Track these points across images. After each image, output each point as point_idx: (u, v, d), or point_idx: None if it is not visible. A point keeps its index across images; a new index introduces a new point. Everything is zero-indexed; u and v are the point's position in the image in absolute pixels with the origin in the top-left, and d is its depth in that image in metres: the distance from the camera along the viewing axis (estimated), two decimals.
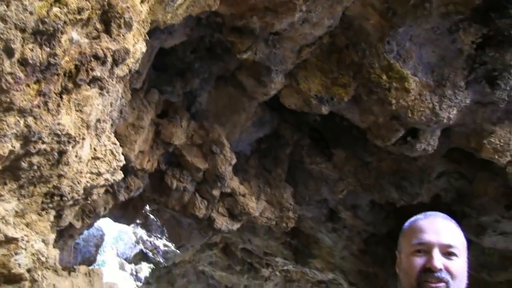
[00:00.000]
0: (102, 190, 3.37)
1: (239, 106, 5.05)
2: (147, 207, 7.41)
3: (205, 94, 5.04)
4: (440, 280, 1.36)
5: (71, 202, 3.01)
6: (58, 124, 2.07)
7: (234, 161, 5.50)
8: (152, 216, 8.18)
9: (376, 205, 7.56)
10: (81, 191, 2.88)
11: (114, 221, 6.52)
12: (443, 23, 4.08)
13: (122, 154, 3.32)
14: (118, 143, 3.14)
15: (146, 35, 2.61)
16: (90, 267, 4.45)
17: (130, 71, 2.61)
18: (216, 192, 5.68)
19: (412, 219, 1.55)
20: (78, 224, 4.88)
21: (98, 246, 9.06)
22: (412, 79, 4.32)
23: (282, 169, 6.52)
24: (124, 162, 3.26)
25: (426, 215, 1.52)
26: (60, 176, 2.50)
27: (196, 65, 4.66)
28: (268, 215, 6.64)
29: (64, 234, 5.16)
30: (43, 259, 2.78)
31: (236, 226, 6.28)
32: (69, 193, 2.73)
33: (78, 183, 2.76)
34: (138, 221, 8.58)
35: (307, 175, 6.95)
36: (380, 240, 8.09)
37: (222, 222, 6.03)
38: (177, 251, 8.87)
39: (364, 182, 6.54)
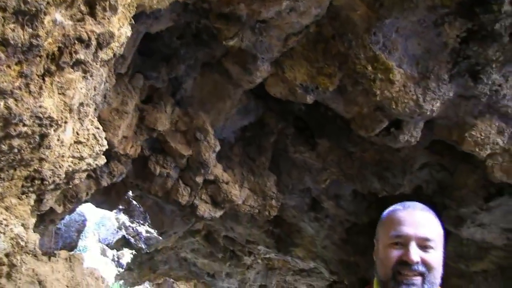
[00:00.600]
0: (84, 175, 3.34)
1: (224, 93, 5.03)
2: (130, 193, 7.39)
3: (190, 81, 5.00)
4: (417, 273, 1.39)
5: (52, 186, 2.98)
6: (40, 106, 2.04)
7: (218, 148, 5.49)
8: (134, 202, 8.16)
9: (359, 195, 7.64)
10: (63, 175, 2.85)
11: (96, 206, 6.48)
12: (429, 16, 4.10)
13: (105, 139, 3.29)
14: (101, 128, 3.11)
15: (132, 19, 2.58)
16: (71, 253, 4.43)
17: (114, 55, 2.58)
18: (199, 179, 5.67)
19: (391, 209, 1.56)
20: (59, 209, 4.83)
21: (79, 231, 9.01)
22: (397, 71, 4.34)
23: (266, 157, 6.54)
24: (107, 147, 3.23)
25: (405, 206, 1.53)
26: (41, 159, 2.47)
27: (182, 51, 4.62)
28: (251, 203, 6.66)
29: (44, 219, 5.11)
30: (23, 243, 2.76)
31: (219, 213, 6.29)
32: (50, 177, 2.71)
33: (60, 167, 2.73)
34: (120, 207, 8.55)
35: (291, 164, 6.97)
36: (361, 230, 8.19)
37: (205, 209, 6.03)
38: (160, 237, 8.87)
39: (347, 172, 6.59)
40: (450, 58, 4.37)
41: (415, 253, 1.39)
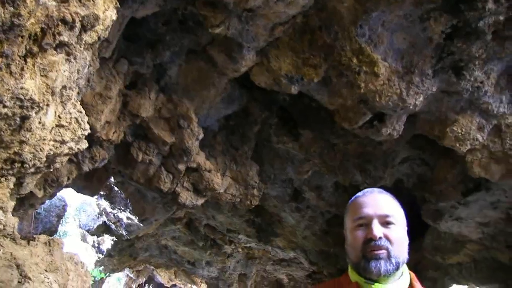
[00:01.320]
0: (65, 159, 3.31)
1: (208, 81, 5.00)
2: (112, 179, 7.33)
3: (175, 67, 4.96)
4: (381, 247, 1.49)
5: (32, 170, 2.95)
6: (21, 88, 2.01)
7: (201, 136, 5.48)
8: (116, 189, 8.08)
9: (340, 187, 7.71)
10: (44, 159, 2.82)
11: (77, 191, 6.42)
12: (415, 11, 4.13)
13: (88, 123, 3.26)
14: (84, 112, 3.08)
15: (117, 3, 2.54)
16: (51, 237, 4.38)
17: (99, 38, 2.55)
18: (181, 167, 5.66)
19: (352, 198, 1.69)
20: (39, 193, 4.78)
21: (60, 216, 8.93)
22: (382, 64, 4.37)
23: (248, 146, 6.55)
24: (89, 131, 3.20)
25: (364, 192, 1.66)
26: (21, 142, 2.44)
27: (168, 37, 4.57)
28: (233, 191, 6.68)
29: (24, 203, 5.05)
30: (1, 226, 2.73)
31: (200, 201, 6.29)
32: (30, 160, 2.68)
33: (41, 150, 2.70)
34: (102, 193, 8.47)
35: (274, 154, 6.99)
36: (342, 222, 8.24)
37: (187, 197, 6.03)
38: (141, 224, 8.83)
39: (329, 163, 6.64)
40: (434, 54, 4.42)
41: (377, 230, 1.50)
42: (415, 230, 7.89)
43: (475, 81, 4.55)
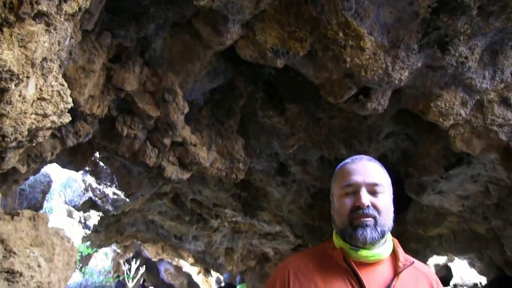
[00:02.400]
0: (48, 133, 3.27)
1: (194, 55, 4.93)
2: (97, 154, 7.29)
3: (159, 40, 4.88)
4: (368, 215, 1.51)
5: (14, 144, 2.91)
6: None
7: (186, 110, 5.44)
8: (102, 164, 8.05)
9: (325, 161, 7.78)
10: (25, 133, 2.78)
11: (62, 167, 6.37)
12: None
13: (71, 97, 3.21)
14: (66, 85, 3.02)
15: None
16: (35, 212, 4.37)
17: (80, 9, 2.49)
18: (167, 141, 5.63)
19: (341, 164, 1.69)
20: (23, 169, 4.73)
21: (45, 192, 8.88)
22: (368, 38, 4.35)
23: (234, 120, 6.53)
24: (72, 104, 3.16)
25: (353, 159, 1.66)
26: (1, 115, 2.40)
27: (152, 10, 4.48)
28: (219, 165, 6.69)
29: (7, 179, 5.01)
30: None
31: (186, 175, 6.29)
32: (12, 134, 2.64)
33: (22, 123, 2.66)
34: (87, 169, 8.43)
35: (259, 128, 7.00)
36: (327, 196, 8.33)
37: (172, 171, 6.02)
38: (127, 199, 8.84)
39: (315, 138, 6.67)
40: (420, 28, 4.41)
41: (365, 198, 1.52)
42: (399, 204, 8.02)
43: (460, 57, 4.57)
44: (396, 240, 1.65)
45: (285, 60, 4.58)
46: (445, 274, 13.42)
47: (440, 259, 13.16)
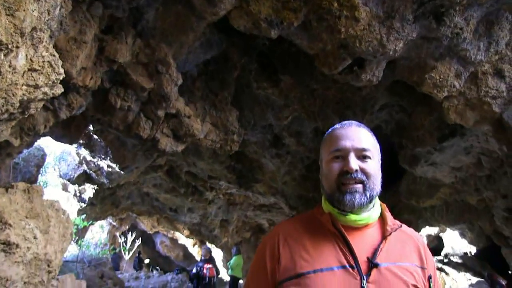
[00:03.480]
0: (40, 104, 3.24)
1: (187, 26, 4.86)
2: (91, 127, 7.26)
3: (152, 11, 4.80)
4: (357, 180, 1.53)
5: (6, 116, 2.89)
6: None
7: (180, 81, 5.40)
8: (96, 137, 8.03)
9: (320, 133, 7.80)
10: (17, 104, 2.76)
11: (56, 140, 6.34)
12: None
13: (63, 68, 3.17)
14: (57, 55, 2.98)
15: None
16: (30, 185, 4.37)
17: None
18: (161, 113, 5.60)
19: (330, 129, 1.69)
20: (16, 142, 4.71)
21: (39, 166, 8.87)
22: (363, 9, 4.30)
23: (228, 92, 6.49)
24: (63, 75, 3.12)
25: (342, 124, 1.66)
26: None
27: None
28: (213, 137, 6.68)
29: (1, 152, 4.99)
30: None
31: (180, 147, 6.28)
32: (3, 106, 2.62)
33: (13, 95, 2.63)
34: (81, 142, 8.41)
35: (254, 99, 6.97)
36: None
37: (166, 143, 6.01)
38: (121, 172, 8.86)
39: (309, 109, 6.66)
40: None
41: (354, 163, 1.53)
42: (392, 176, 8.12)
43: (455, 28, 4.54)
44: (384, 205, 1.67)
45: (279, 31, 4.52)
46: (436, 244, 13.70)
47: (432, 230, 13.41)
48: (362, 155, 1.55)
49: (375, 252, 1.50)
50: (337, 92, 6.31)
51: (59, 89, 3.19)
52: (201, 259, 12.46)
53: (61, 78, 3.04)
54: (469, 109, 5.35)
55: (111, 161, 8.58)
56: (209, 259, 12.46)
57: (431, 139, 6.41)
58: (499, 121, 5.32)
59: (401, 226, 1.64)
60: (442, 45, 4.78)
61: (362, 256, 1.49)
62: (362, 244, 1.53)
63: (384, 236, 1.56)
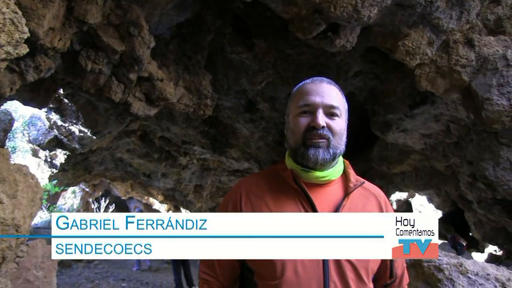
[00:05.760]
0: (3, 64, 3.12)
1: None
2: (61, 91, 7.08)
3: None
4: (322, 136, 1.51)
5: None
6: None
7: (152, 44, 5.28)
8: (66, 101, 7.85)
9: None
10: None
11: (24, 104, 6.17)
12: None
13: (28, 27, 3.05)
14: (20, 13, 2.86)
15: None
16: None
17: None
18: (133, 76, 5.49)
19: (300, 83, 1.66)
20: None
21: (6, 131, 8.62)
22: None
23: (202, 56, 6.40)
24: (28, 34, 3.01)
25: (313, 79, 1.63)
26: None
27: None
28: (186, 101, 6.61)
29: None
30: None
31: (153, 111, 6.21)
32: None
33: None
34: (51, 106, 8.21)
35: (228, 64, 6.90)
36: None
37: (139, 107, 5.93)
38: (94, 137, 8.72)
39: (283, 74, 6.65)
40: None
41: (321, 119, 1.51)
42: (365, 142, 8.26)
43: None
44: (347, 162, 1.68)
45: None
46: (405, 209, 14.15)
47: (401, 195, 13.82)
48: (330, 113, 1.54)
49: (337, 209, 1.52)
50: (311, 57, 6.30)
51: (24, 49, 3.08)
52: None
53: (25, 37, 2.93)
54: (440, 77, 5.42)
55: (82, 126, 8.42)
56: None
57: (403, 106, 6.51)
58: (468, 89, 5.43)
59: (363, 182, 1.65)
60: (415, 13, 4.79)
61: (324, 212, 1.51)
62: (325, 201, 1.54)
63: (346, 192, 1.57)
